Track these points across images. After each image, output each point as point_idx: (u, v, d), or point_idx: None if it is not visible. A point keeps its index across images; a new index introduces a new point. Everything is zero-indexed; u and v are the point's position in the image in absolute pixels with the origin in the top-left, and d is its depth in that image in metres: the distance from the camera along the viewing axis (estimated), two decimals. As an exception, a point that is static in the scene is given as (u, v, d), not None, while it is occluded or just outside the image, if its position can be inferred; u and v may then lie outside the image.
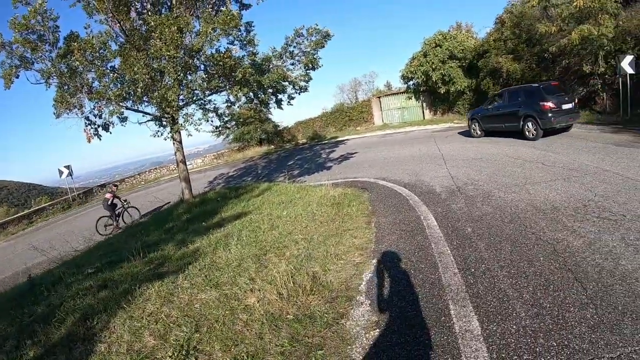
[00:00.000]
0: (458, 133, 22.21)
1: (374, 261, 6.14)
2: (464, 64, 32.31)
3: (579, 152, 12.27)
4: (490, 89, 28.79)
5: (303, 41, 15.37)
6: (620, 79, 18.62)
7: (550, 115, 15.19)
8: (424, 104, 37.20)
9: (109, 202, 15.91)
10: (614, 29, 19.57)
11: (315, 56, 15.52)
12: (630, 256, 5.19)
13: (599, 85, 21.20)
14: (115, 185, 17.43)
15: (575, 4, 19.88)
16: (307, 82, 16.05)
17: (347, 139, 31.80)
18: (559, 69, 23.73)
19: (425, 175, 12.20)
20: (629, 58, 17.79)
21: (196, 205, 13.56)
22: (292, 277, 5.36)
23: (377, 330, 4.31)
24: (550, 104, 15.34)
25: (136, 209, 17.20)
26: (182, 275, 6.16)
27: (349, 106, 43.68)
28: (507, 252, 5.83)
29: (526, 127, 16.09)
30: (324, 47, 15.56)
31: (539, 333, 3.89)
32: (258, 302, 4.97)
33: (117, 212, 16.28)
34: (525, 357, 3.61)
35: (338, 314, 4.66)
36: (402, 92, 38.79)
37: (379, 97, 40.62)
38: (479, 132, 19.43)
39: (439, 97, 34.94)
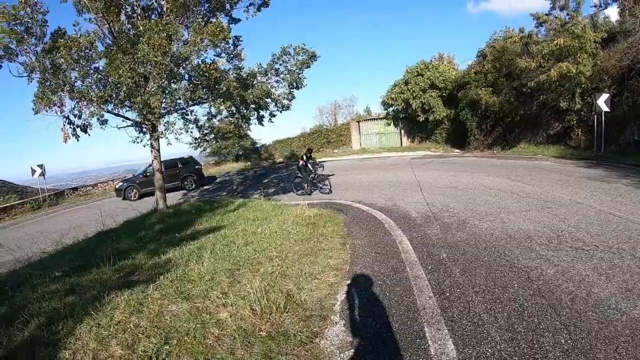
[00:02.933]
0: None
1: (349, 282, 6.10)
2: (444, 94, 32.95)
3: (553, 184, 12.52)
4: (469, 120, 29.35)
5: (289, 59, 15.44)
6: (595, 116, 19.28)
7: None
8: (402, 131, 37.73)
9: (302, 165, 16.44)
10: (592, 68, 20.41)
11: (300, 75, 15.61)
12: (603, 284, 5.33)
13: (575, 122, 21.83)
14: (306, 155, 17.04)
15: (555, 42, 20.74)
16: (290, 100, 16.15)
17: (324, 161, 31.89)
18: (537, 104, 24.29)
19: (401, 201, 12.28)
20: (605, 96, 18.46)
21: (170, 216, 13.33)
22: (266, 293, 5.26)
23: (352, 350, 4.26)
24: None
25: (329, 181, 16.96)
26: (153, 285, 5.99)
27: (328, 128, 44.06)
28: (482, 277, 5.90)
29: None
30: (309, 67, 15.67)
31: (514, 357, 3.94)
32: (230, 317, 4.86)
33: (310, 177, 16.59)
34: (500, 381, 3.59)
35: (312, 333, 4.59)
36: (382, 118, 39.23)
37: (358, 121, 40.95)
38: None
39: (417, 125, 35.45)
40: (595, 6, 23.88)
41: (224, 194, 21.63)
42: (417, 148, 34.28)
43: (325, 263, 6.96)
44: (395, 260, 6.97)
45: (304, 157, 16.33)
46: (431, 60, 36.03)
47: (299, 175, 16.87)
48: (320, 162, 32.43)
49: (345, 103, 56.70)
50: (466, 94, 29.32)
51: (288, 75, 15.56)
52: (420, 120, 33.85)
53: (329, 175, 16.63)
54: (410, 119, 36.04)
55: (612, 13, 28.15)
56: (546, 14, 23.37)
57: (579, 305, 4.85)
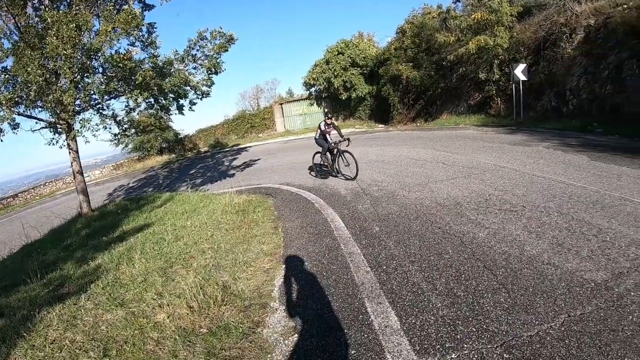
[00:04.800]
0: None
1: (284, 266, 6.08)
2: (365, 72, 33.41)
3: (477, 152, 12.95)
4: (391, 95, 29.90)
5: (206, 44, 15.11)
6: (513, 85, 20.22)
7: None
8: (326, 110, 37.79)
9: (319, 135, 12.85)
10: (509, 40, 21.41)
11: (218, 60, 15.26)
12: (534, 242, 5.61)
13: (494, 91, 22.87)
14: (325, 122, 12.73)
15: (473, 16, 21.71)
16: (209, 87, 15.69)
17: (249, 146, 31.66)
18: (457, 76, 25.19)
19: (330, 179, 12.38)
20: (521, 66, 19.40)
21: (96, 219, 12.73)
22: (201, 288, 5.13)
23: (296, 335, 4.23)
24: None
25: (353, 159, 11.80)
26: (85, 296, 5.68)
27: (251, 113, 43.71)
28: (416, 247, 6.03)
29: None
30: (227, 51, 15.37)
31: (457, 321, 4.03)
32: (168, 317, 4.70)
33: (329, 153, 12.85)
34: (447, 345, 3.71)
35: (253, 323, 4.52)
36: (304, 99, 39.47)
37: (281, 104, 40.95)
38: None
39: (340, 103, 35.86)
40: None
41: (151, 189, 21.05)
42: (342, 126, 34.37)
43: (258, 249, 6.89)
44: (329, 239, 6.99)
45: (322, 125, 12.52)
46: (351, 39, 36.27)
47: (320, 151, 13.14)
48: (243, 147, 32.05)
49: (267, 86, 56.60)
50: (387, 70, 29.85)
51: (206, 61, 15.19)
52: (343, 98, 34.32)
53: (346, 144, 12.36)
54: (333, 98, 36.41)
55: None
56: None
57: (513, 264, 5.06)
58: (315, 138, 13.07)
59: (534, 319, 3.92)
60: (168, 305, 4.98)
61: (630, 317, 3.86)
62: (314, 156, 13.61)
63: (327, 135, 12.61)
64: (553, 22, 20.09)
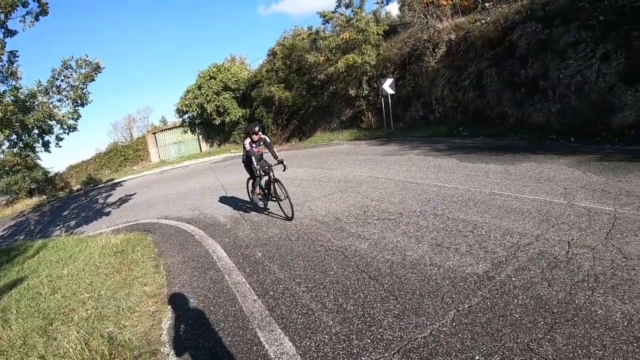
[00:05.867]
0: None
1: (170, 307, 5.94)
2: (238, 95, 33.66)
3: (352, 165, 13.47)
4: (264, 117, 30.38)
5: (72, 74, 14.38)
6: (382, 99, 21.53)
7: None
8: (200, 137, 37.98)
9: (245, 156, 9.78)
10: (376, 57, 23.09)
11: (84, 91, 14.57)
12: (414, 246, 5.97)
13: (364, 106, 24.28)
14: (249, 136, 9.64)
15: (342, 36, 22.94)
16: (75, 120, 14.95)
17: (124, 180, 30.51)
18: (328, 94, 26.23)
19: (207, 208, 12.28)
20: (389, 81, 20.87)
21: (-42, 278, 11.67)
22: (86, 344, 4.89)
23: (190, 378, 4.11)
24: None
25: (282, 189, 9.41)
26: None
27: (124, 145, 42.31)
28: (301, 268, 6.14)
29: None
30: (94, 80, 14.77)
31: (351, 336, 4.15)
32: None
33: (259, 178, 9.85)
34: (345, 361, 3.78)
35: (145, 374, 4.36)
36: (178, 127, 38.93)
37: (154, 133, 40.10)
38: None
39: (214, 128, 35.92)
40: (377, 3, 27.00)
41: (22, 237, 19.53)
42: (217, 152, 34.61)
43: (141, 292, 6.65)
44: (213, 271, 6.95)
45: (246, 144, 9.48)
46: (223, 63, 36.31)
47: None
48: (118, 181, 30.64)
49: (140, 115, 54.99)
50: (259, 92, 30.31)
51: (72, 92, 14.46)
52: (217, 123, 34.34)
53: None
54: (207, 124, 36.35)
55: (393, 9, 31.87)
56: (332, 12, 25.55)
57: (397, 270, 5.35)
58: (242, 161, 10.18)
59: (425, 320, 4.17)
60: (52, 368, 4.71)
61: (515, 300, 4.29)
62: (247, 182, 10.84)
63: (253, 158, 9.43)
64: (417, 39, 22.05)
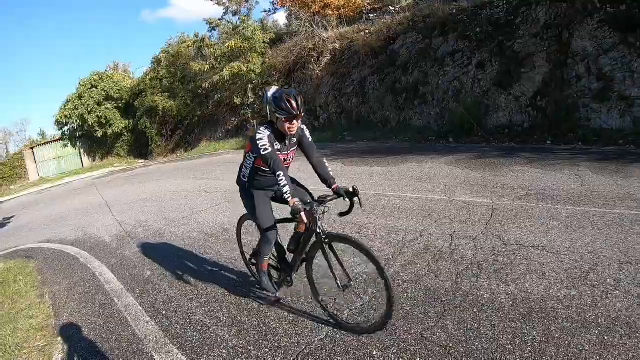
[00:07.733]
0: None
1: (60, 338, 5.39)
2: (121, 105, 32.55)
3: (236, 174, 13.23)
4: (148, 128, 29.60)
5: None
6: (267, 106, 21.68)
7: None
8: (82, 151, 35.88)
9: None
10: (262, 65, 23.14)
11: None
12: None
13: (250, 114, 24.26)
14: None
15: (228, 44, 22.84)
16: None
17: (1, 202, 28.20)
18: (213, 103, 26.09)
19: (92, 227, 11.40)
20: (274, 89, 20.71)
21: None
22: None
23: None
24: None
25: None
26: None
27: (0, 162, 38.57)
28: (192, 283, 5.89)
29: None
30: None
31: (249, 347, 4.05)
32: None
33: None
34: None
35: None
36: (58, 140, 36.42)
37: (32, 148, 37.18)
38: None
39: (97, 141, 34.32)
40: (265, 11, 26.96)
41: None
42: (100, 166, 32.96)
43: (28, 326, 5.96)
44: (101, 295, 6.42)
45: (265, 136, 4.31)
46: (106, 70, 34.87)
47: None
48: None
49: (16, 128, 51.19)
50: (143, 101, 29.55)
51: None
52: (99, 135, 32.68)
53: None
54: (88, 136, 34.48)
55: (281, 17, 31.86)
56: (219, 19, 25.45)
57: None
58: (242, 177, 4.92)
59: (320, 323, 4.17)
60: None
61: (406, 294, 4.43)
62: (238, 226, 5.71)
63: (281, 173, 4.03)
64: (302, 47, 22.38)
